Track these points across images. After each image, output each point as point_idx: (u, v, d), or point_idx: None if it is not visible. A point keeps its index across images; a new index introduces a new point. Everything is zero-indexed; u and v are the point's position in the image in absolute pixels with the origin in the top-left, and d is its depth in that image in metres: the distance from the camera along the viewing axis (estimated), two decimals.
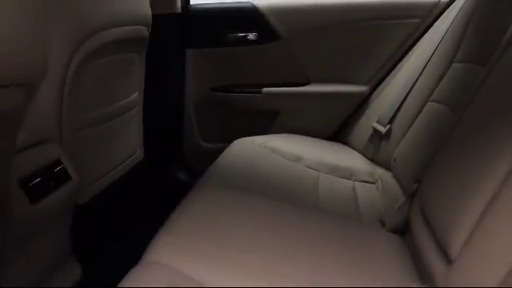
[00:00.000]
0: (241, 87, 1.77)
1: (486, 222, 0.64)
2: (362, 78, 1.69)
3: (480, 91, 0.87)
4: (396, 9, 1.61)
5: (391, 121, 1.44)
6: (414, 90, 1.41)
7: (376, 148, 1.49)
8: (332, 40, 1.66)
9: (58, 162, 1.03)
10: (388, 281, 0.78)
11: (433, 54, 1.37)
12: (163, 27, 1.60)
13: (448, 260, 0.70)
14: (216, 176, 1.24)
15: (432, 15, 1.57)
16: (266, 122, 1.79)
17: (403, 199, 1.04)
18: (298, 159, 1.42)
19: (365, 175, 1.40)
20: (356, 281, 0.76)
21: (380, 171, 1.41)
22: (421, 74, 1.40)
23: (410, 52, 1.60)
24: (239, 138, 1.55)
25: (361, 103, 1.70)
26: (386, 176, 1.36)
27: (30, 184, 0.93)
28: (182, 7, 1.69)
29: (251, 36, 1.69)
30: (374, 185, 1.37)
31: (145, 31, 1.36)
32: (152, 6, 1.40)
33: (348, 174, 1.39)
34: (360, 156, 1.55)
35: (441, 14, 1.54)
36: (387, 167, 1.39)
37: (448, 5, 1.52)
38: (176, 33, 1.70)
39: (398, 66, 1.62)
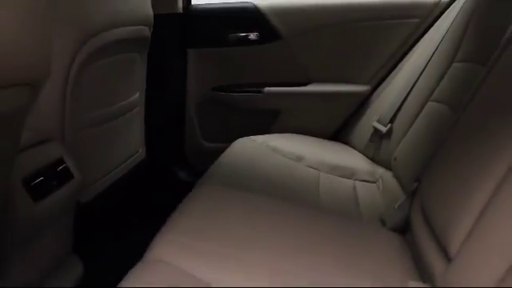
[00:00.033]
0: (242, 87, 1.77)
1: (485, 219, 0.64)
2: (362, 78, 1.70)
3: (479, 90, 0.88)
4: (397, 9, 1.62)
5: (392, 120, 1.45)
6: (414, 89, 1.41)
7: (377, 147, 1.50)
8: (333, 40, 1.67)
9: (61, 161, 1.04)
10: (388, 279, 0.78)
11: (433, 53, 1.38)
12: (165, 27, 1.61)
13: (447, 258, 0.70)
14: (217, 175, 1.25)
15: (433, 15, 1.57)
16: (267, 121, 1.80)
17: (403, 198, 1.05)
18: (299, 159, 1.43)
19: (365, 174, 1.40)
20: (356, 279, 0.76)
21: (381, 170, 1.42)
22: (421, 73, 1.40)
23: (411, 52, 1.61)
24: (240, 137, 1.56)
25: (362, 103, 1.71)
26: (387, 175, 1.36)
27: (33, 183, 0.93)
28: (184, 7, 1.69)
29: (252, 36, 1.69)
30: (374, 184, 1.37)
31: (146, 31, 1.36)
32: (153, 6, 1.40)
33: (349, 174, 1.40)
34: (361, 155, 1.56)
35: (441, 13, 1.54)
36: (388, 167, 1.39)
37: (448, 5, 1.53)
38: (177, 33, 1.71)
39: (399, 65, 1.63)
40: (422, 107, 1.30)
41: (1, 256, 0.92)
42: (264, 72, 1.75)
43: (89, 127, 1.18)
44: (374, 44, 1.65)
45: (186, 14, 1.70)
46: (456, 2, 1.46)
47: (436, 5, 1.57)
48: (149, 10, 1.37)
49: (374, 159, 1.50)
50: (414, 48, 1.60)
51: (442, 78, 1.26)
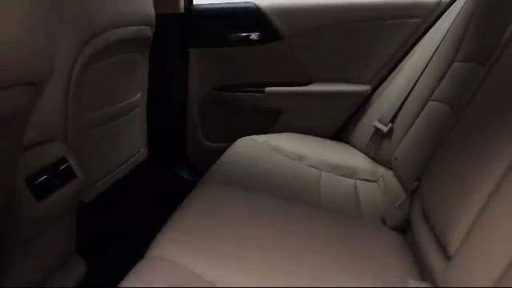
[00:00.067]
0: (243, 87, 1.78)
1: (484, 217, 0.65)
2: (363, 78, 1.70)
3: (479, 90, 0.88)
4: (398, 9, 1.62)
5: (393, 120, 1.45)
6: (415, 89, 1.41)
7: (378, 147, 1.50)
8: (334, 40, 1.67)
9: (64, 160, 1.04)
10: (388, 278, 0.78)
11: (434, 53, 1.38)
12: (166, 27, 1.61)
13: (447, 256, 0.71)
14: (219, 174, 1.25)
15: (433, 15, 1.58)
16: (268, 121, 1.80)
17: (404, 197, 1.05)
18: (300, 158, 1.43)
19: (366, 174, 1.41)
20: (357, 277, 0.77)
21: (381, 170, 1.42)
22: (422, 73, 1.41)
23: (412, 51, 1.61)
24: (242, 137, 1.57)
25: (362, 102, 1.71)
26: (388, 175, 1.37)
27: (36, 182, 0.94)
28: (185, 7, 1.70)
29: (254, 36, 1.70)
30: (375, 183, 1.38)
31: (148, 31, 1.37)
32: (155, 6, 1.41)
33: (350, 173, 1.40)
34: (362, 155, 1.56)
35: (442, 13, 1.54)
36: (389, 166, 1.39)
37: (449, 5, 1.53)
38: (179, 33, 1.71)
39: (400, 65, 1.63)
40: (423, 107, 1.30)
41: (4, 255, 0.93)
42: (265, 72, 1.76)
43: (91, 127, 1.18)
44: (375, 44, 1.65)
45: (188, 14, 1.71)
46: (457, 2, 1.46)
47: (437, 5, 1.57)
48: (151, 10, 1.38)
49: (374, 159, 1.51)
50: (415, 48, 1.60)
51: (442, 77, 1.27)
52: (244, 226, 0.87)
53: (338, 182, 1.35)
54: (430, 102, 1.28)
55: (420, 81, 1.40)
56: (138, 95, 1.43)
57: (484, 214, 0.65)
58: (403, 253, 0.89)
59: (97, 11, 1.10)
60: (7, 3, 0.50)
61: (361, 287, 0.74)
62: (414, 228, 0.91)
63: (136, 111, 1.43)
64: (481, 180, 0.69)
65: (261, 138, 1.55)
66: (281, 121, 1.79)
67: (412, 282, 0.73)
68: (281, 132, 1.71)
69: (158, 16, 1.41)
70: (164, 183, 1.82)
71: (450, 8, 1.50)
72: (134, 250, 0.83)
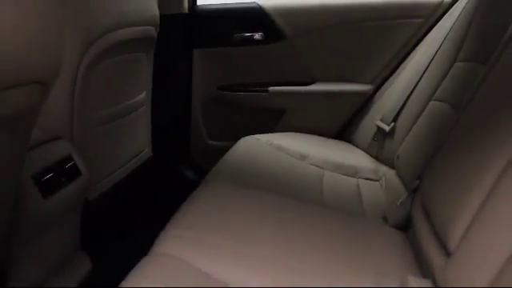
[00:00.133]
0: (247, 86, 1.79)
1: (484, 213, 0.65)
2: (366, 77, 1.71)
3: (480, 89, 0.89)
4: (400, 9, 1.63)
5: (395, 119, 1.46)
6: (417, 88, 1.42)
7: (380, 146, 1.51)
8: (337, 40, 1.68)
9: (69, 159, 1.06)
10: (389, 275, 0.79)
11: (436, 53, 1.39)
12: (171, 27, 1.62)
13: (447, 253, 0.71)
14: (222, 173, 1.26)
15: (435, 15, 1.58)
16: (271, 120, 1.81)
17: (405, 195, 1.06)
18: (303, 157, 1.44)
19: (369, 173, 1.41)
20: (358, 274, 0.78)
21: (384, 169, 1.43)
22: (424, 73, 1.41)
23: (414, 51, 1.62)
24: (245, 136, 1.57)
25: (365, 102, 1.72)
26: (390, 174, 1.37)
27: (43, 179, 0.95)
28: (189, 8, 1.71)
29: (257, 36, 1.71)
30: (377, 182, 1.38)
31: (153, 31, 1.38)
32: (160, 6, 1.42)
33: (352, 172, 1.41)
34: (364, 154, 1.57)
35: (444, 13, 1.55)
36: (391, 165, 1.40)
37: (451, 5, 1.53)
38: (183, 33, 1.73)
39: (402, 65, 1.64)
40: (425, 106, 1.31)
41: (10, 253, 0.94)
42: (268, 71, 1.77)
43: (96, 126, 1.19)
44: (378, 44, 1.66)
45: (192, 15, 1.72)
46: (459, 2, 1.47)
47: (439, 5, 1.58)
48: (155, 11, 1.39)
49: (377, 158, 1.51)
50: (417, 48, 1.61)
51: (444, 77, 1.27)
52: (246, 223, 0.87)
53: (340, 180, 1.35)
54: (432, 102, 1.28)
55: (422, 80, 1.41)
56: (143, 95, 1.44)
57: (484, 210, 0.66)
58: (404, 250, 0.89)
59: (101, 12, 1.11)
60: (21, 4, 0.52)
61: (361, 287, 0.74)
62: (414, 226, 0.91)
63: (140, 111, 1.44)
64: (480, 177, 0.69)
65: (264, 138, 1.56)
66: (284, 120, 1.80)
67: (412, 279, 0.74)
68: (284, 131, 1.72)
69: (162, 16, 1.42)
70: (168, 182, 1.82)
71: (452, 8, 1.50)
72: (138, 248, 0.83)
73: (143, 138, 1.51)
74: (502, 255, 0.58)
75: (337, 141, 1.73)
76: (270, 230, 0.86)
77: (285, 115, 1.80)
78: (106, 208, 1.38)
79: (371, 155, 1.54)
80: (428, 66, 1.40)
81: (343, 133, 1.77)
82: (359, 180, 1.38)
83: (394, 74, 1.65)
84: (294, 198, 1.07)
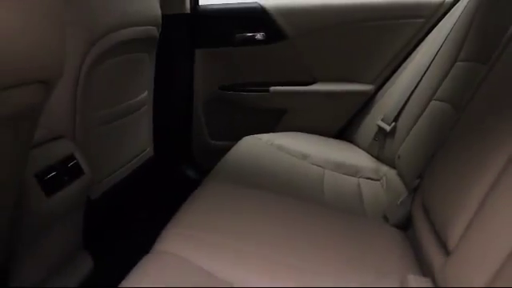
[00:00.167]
0: (248, 86, 1.79)
1: (484, 212, 0.66)
2: (367, 77, 1.71)
3: (480, 88, 0.89)
4: (401, 9, 1.63)
5: (396, 119, 1.46)
6: (418, 88, 1.42)
7: (381, 146, 1.51)
8: (338, 40, 1.68)
9: (72, 158, 1.06)
10: (389, 274, 0.79)
11: (437, 53, 1.39)
12: (173, 28, 1.63)
13: (447, 252, 0.72)
14: (223, 172, 1.26)
15: (437, 15, 1.58)
16: (273, 120, 1.82)
17: (405, 195, 1.06)
18: (304, 157, 1.44)
19: (370, 172, 1.42)
20: (358, 273, 0.78)
21: (385, 169, 1.43)
22: (425, 73, 1.42)
23: (415, 51, 1.62)
24: (247, 135, 1.58)
25: (366, 102, 1.72)
26: (391, 173, 1.37)
27: (46, 178, 0.96)
28: (191, 8, 1.71)
29: (259, 36, 1.71)
30: (378, 182, 1.39)
31: (155, 32, 1.39)
32: (162, 6, 1.43)
33: (353, 172, 1.41)
34: (365, 154, 1.57)
35: (445, 13, 1.55)
36: (392, 165, 1.40)
37: (452, 5, 1.54)
38: (185, 33, 1.73)
39: (403, 65, 1.64)
40: (426, 106, 1.31)
41: (13, 251, 0.95)
42: (270, 71, 1.77)
43: (98, 125, 1.20)
44: (379, 44, 1.66)
45: (194, 15, 1.72)
46: (460, 2, 1.47)
47: (440, 5, 1.58)
48: (157, 11, 1.40)
49: (378, 157, 1.52)
50: (418, 48, 1.61)
51: (445, 77, 1.28)
52: (247, 221, 0.88)
53: (341, 180, 1.36)
54: (433, 102, 1.29)
55: (423, 80, 1.41)
56: (145, 94, 1.45)
57: (483, 209, 0.66)
58: (404, 249, 0.90)
59: (103, 12, 1.12)
60: (26, 6, 0.53)
61: (361, 286, 0.75)
62: (414, 225, 0.92)
63: (142, 110, 1.44)
64: (480, 175, 0.70)
65: (265, 137, 1.56)
66: (285, 120, 1.80)
67: (411, 278, 0.74)
68: (285, 131, 1.72)
69: (164, 16, 1.43)
70: (169, 181, 1.83)
71: (453, 8, 1.50)
72: (140, 247, 0.84)
73: (145, 138, 1.51)
74: (501, 254, 0.59)
75: (338, 140, 1.73)
76: (271, 228, 0.87)
77: (286, 115, 1.80)
78: (108, 207, 1.39)
79: (372, 155, 1.55)
80: (429, 65, 1.41)
81: (344, 132, 1.78)
82: (360, 179, 1.38)
83: (395, 74, 1.66)
84: (294, 197, 1.08)
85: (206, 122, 1.84)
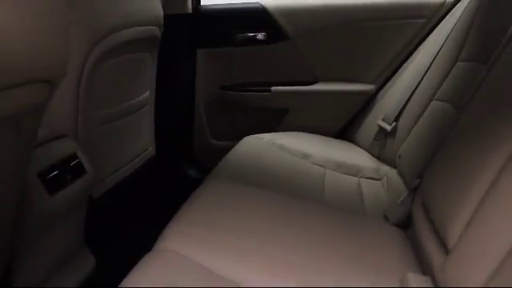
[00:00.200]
0: (250, 86, 1.80)
1: (483, 210, 0.66)
2: (368, 77, 1.71)
3: (480, 88, 0.89)
4: (402, 9, 1.63)
5: (397, 119, 1.47)
6: (419, 88, 1.43)
7: (382, 146, 1.51)
8: (339, 40, 1.69)
9: (74, 157, 1.07)
10: (389, 272, 0.80)
11: (438, 53, 1.39)
12: (174, 27, 1.64)
13: (446, 250, 0.72)
14: (225, 171, 1.27)
15: (438, 15, 1.59)
16: (274, 120, 1.82)
17: (406, 194, 1.07)
18: (305, 156, 1.45)
19: (370, 172, 1.42)
20: (358, 271, 0.78)
21: (385, 168, 1.43)
22: (426, 73, 1.42)
23: (416, 51, 1.62)
24: (248, 135, 1.58)
25: (367, 102, 1.72)
26: (392, 173, 1.38)
27: (48, 176, 0.97)
28: (193, 8, 1.72)
29: (260, 36, 1.72)
30: (379, 181, 1.39)
31: (157, 31, 1.39)
32: (164, 6, 1.43)
33: (354, 171, 1.42)
34: (366, 153, 1.58)
35: (446, 13, 1.55)
36: (393, 164, 1.41)
37: (453, 5, 1.54)
38: (187, 33, 1.74)
39: (404, 65, 1.65)
40: (426, 106, 1.32)
41: (16, 251, 0.95)
42: (271, 71, 1.78)
43: (100, 125, 1.20)
44: (380, 44, 1.66)
45: (196, 15, 1.73)
46: (461, 2, 1.47)
47: (441, 5, 1.58)
48: (159, 11, 1.40)
49: (379, 157, 1.52)
50: (419, 48, 1.61)
51: (445, 77, 1.28)
52: (248, 220, 0.88)
53: (342, 179, 1.36)
54: (433, 102, 1.29)
55: (423, 80, 1.42)
56: (147, 94, 1.45)
57: (483, 207, 0.66)
58: (404, 248, 0.90)
59: (106, 12, 1.13)
60: (31, 6, 0.53)
61: (361, 286, 0.75)
62: (414, 223, 0.92)
63: (144, 110, 1.45)
64: (480, 174, 0.70)
65: (266, 137, 1.56)
66: (286, 119, 1.81)
67: (411, 277, 0.74)
68: (286, 131, 1.72)
69: (166, 16, 1.43)
70: (171, 181, 1.84)
71: (454, 8, 1.51)
72: (142, 245, 0.84)
73: (147, 137, 1.52)
74: (501, 251, 0.59)
75: (339, 140, 1.74)
76: (272, 227, 0.87)
77: (287, 115, 1.81)
78: (110, 205, 1.40)
79: (373, 155, 1.55)
80: (430, 65, 1.41)
81: (345, 132, 1.78)
82: (361, 179, 1.39)
83: (396, 74, 1.66)
84: (296, 196, 1.08)
85: (207, 121, 1.85)
